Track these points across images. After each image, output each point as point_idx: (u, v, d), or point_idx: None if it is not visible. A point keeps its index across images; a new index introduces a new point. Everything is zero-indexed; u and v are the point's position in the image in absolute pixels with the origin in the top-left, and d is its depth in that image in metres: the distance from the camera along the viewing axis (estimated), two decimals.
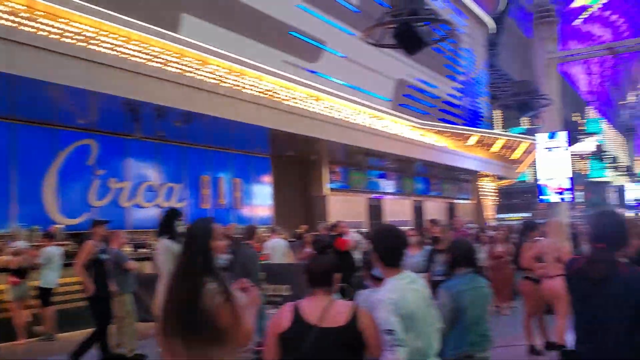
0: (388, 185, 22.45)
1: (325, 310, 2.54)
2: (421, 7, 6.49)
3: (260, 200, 17.27)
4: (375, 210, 21.61)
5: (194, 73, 12.21)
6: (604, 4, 51.51)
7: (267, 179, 17.63)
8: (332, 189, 19.38)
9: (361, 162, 20.58)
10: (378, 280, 3.00)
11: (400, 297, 2.64)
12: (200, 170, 15.31)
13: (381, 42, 7.12)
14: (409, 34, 6.44)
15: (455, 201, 28.03)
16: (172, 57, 11.98)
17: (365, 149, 19.05)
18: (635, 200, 52.53)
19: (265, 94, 14.34)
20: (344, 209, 19.52)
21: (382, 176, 21.91)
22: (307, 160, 19.09)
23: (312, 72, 17.23)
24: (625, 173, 42.06)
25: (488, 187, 31.93)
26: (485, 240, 10.40)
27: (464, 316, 3.43)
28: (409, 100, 23.19)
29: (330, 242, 7.64)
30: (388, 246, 2.79)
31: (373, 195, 21.47)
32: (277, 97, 14.71)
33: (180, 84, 11.47)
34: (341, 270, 2.90)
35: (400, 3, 6.46)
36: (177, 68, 11.86)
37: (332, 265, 2.70)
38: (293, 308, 2.59)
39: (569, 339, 6.54)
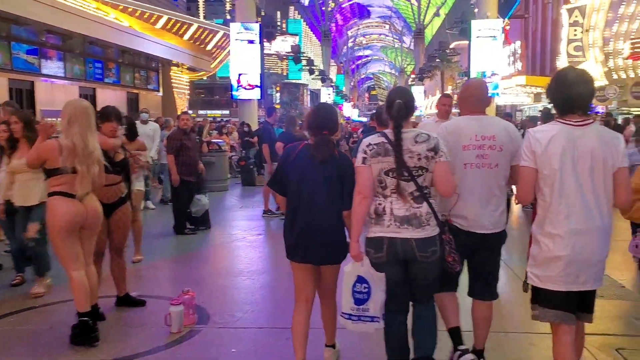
0: (45, 65, 17.86)
1: None
2: None
3: None
4: (23, 95, 17.08)
5: None
6: None
7: None
8: None
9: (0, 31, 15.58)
10: None
11: None
12: None
13: None
14: None
15: (139, 91, 24.68)
16: None
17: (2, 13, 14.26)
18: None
19: None
20: None
21: (33, 52, 17.17)
22: None
23: None
24: (319, 77, 44.05)
25: (182, 80, 29.30)
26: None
27: None
28: None
29: None
30: None
31: (20, 77, 16.78)
32: None
33: None
34: None
35: None
36: None
37: None
38: None
39: None
